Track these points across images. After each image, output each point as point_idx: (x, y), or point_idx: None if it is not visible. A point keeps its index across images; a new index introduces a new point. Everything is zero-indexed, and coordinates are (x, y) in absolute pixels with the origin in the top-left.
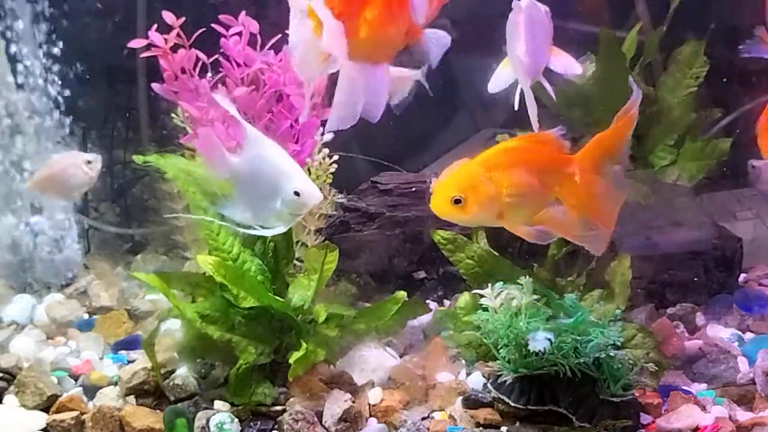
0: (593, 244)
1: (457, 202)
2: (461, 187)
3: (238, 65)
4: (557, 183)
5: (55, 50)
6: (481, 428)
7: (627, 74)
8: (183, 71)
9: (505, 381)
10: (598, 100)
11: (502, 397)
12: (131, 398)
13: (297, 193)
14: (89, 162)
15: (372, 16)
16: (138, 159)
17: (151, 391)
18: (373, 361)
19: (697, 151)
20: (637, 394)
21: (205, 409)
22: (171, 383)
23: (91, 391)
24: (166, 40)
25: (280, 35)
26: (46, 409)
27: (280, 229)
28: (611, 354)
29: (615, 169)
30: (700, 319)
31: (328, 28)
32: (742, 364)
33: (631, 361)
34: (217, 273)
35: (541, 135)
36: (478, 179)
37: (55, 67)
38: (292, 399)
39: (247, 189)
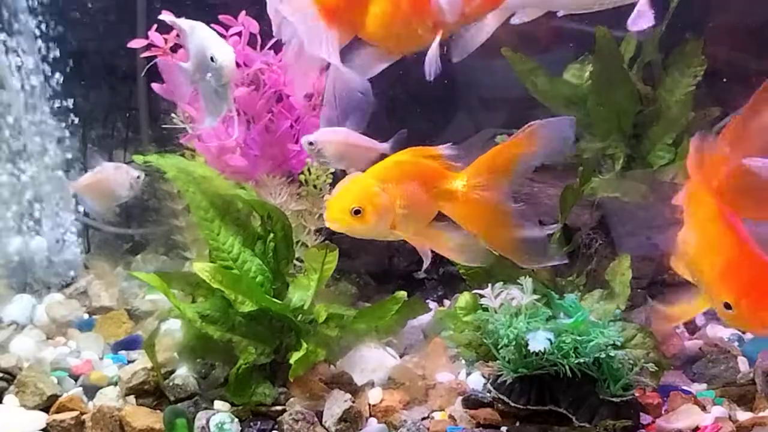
0: (472, 260)
1: (357, 213)
2: (360, 199)
3: (238, 65)
4: (442, 198)
5: (55, 49)
6: (481, 428)
7: (625, 73)
8: None
9: (505, 381)
10: (596, 99)
11: (502, 397)
12: (131, 398)
13: (213, 59)
14: (138, 177)
15: (379, 10)
16: (138, 159)
17: (151, 391)
18: (373, 361)
19: None
20: (637, 394)
21: (205, 409)
22: (171, 383)
23: (91, 391)
24: (166, 40)
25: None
26: (46, 409)
27: (223, 109)
28: (611, 354)
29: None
30: (700, 319)
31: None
32: (742, 364)
33: (631, 361)
34: (213, 280)
35: (430, 150)
36: (374, 191)
37: (55, 67)
38: (292, 399)
39: (200, 83)
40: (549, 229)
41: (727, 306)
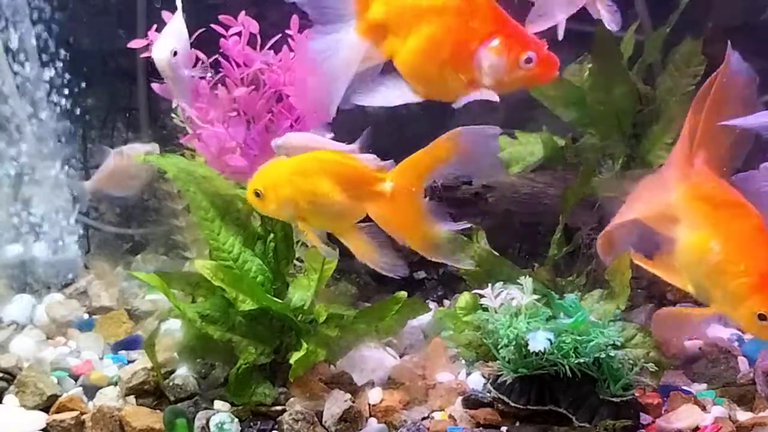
0: (390, 271)
1: (258, 195)
2: (263, 183)
3: (238, 65)
4: (367, 200)
5: (55, 50)
6: (481, 428)
7: (624, 73)
8: None
9: (505, 381)
10: (595, 99)
11: (502, 397)
12: (131, 398)
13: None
14: (151, 152)
15: (416, 46)
16: (138, 159)
17: (151, 391)
18: (373, 361)
19: None
20: (637, 394)
21: (205, 409)
22: (171, 383)
23: (91, 391)
24: None
25: (280, 35)
26: (46, 409)
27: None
28: (611, 354)
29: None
30: None
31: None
32: (742, 364)
33: (631, 361)
34: (215, 277)
35: (355, 155)
36: (280, 179)
37: (55, 67)
38: (292, 399)
39: None
40: (460, 225)
41: (762, 317)
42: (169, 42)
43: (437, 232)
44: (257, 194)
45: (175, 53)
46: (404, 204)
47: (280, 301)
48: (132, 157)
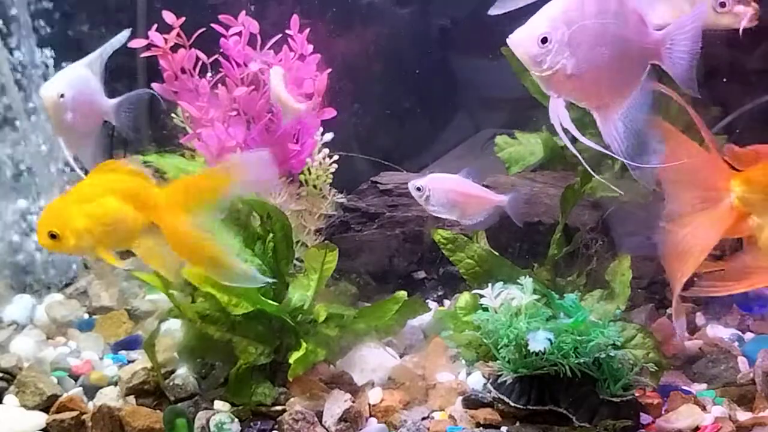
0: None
1: (54, 236)
2: (55, 223)
3: (238, 65)
4: (146, 210)
5: (54, 49)
6: (481, 428)
7: None
8: (183, 71)
9: (505, 381)
10: None
11: (502, 397)
12: (131, 398)
13: None
14: None
15: None
16: (138, 159)
17: (151, 391)
18: (373, 361)
19: None
20: (637, 394)
21: (205, 409)
22: (171, 383)
23: (91, 391)
24: (166, 40)
25: (280, 35)
26: (46, 409)
27: None
28: (611, 354)
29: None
30: (700, 319)
31: None
32: (742, 364)
33: (631, 361)
34: (205, 284)
35: (129, 166)
36: (70, 213)
37: (55, 67)
38: (292, 399)
39: None
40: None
41: None
42: (58, 84)
43: (222, 256)
44: (53, 236)
45: (62, 96)
46: (175, 222)
47: (275, 303)
48: None
